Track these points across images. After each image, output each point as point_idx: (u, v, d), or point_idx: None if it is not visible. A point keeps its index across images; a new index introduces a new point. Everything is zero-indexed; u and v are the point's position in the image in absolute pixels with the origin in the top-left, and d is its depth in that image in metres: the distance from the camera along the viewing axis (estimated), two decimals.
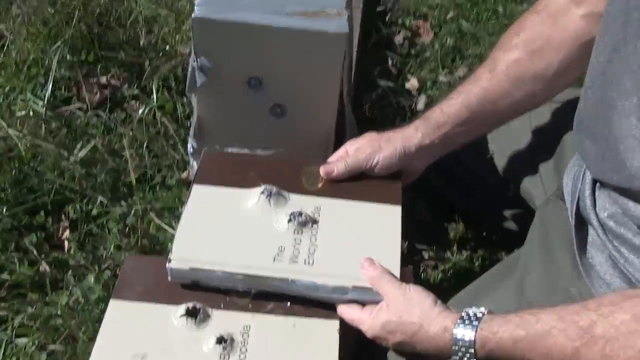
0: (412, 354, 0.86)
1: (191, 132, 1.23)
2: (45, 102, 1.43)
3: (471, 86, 1.00)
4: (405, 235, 0.95)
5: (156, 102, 1.44)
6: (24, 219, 1.26)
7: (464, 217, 1.28)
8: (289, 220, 0.93)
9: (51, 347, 1.09)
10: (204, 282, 0.89)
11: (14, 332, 1.11)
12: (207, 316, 0.87)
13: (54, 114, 1.44)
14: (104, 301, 1.12)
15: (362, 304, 0.88)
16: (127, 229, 1.25)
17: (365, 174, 1.00)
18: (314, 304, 0.89)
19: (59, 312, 1.12)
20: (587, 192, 0.87)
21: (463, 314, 0.81)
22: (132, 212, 1.26)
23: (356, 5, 1.58)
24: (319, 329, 0.88)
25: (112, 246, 1.23)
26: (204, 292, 0.89)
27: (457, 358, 0.79)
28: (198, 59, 1.00)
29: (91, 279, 1.16)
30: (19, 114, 1.44)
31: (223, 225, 0.93)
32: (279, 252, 0.91)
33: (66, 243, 1.26)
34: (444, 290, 0.91)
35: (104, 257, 1.23)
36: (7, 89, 1.52)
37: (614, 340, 0.69)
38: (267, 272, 0.88)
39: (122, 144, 1.37)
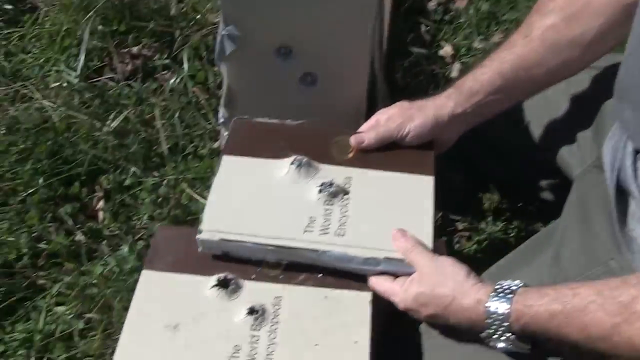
0: (444, 327, 0.85)
1: (221, 101, 1.22)
2: (78, 73, 1.43)
3: (505, 53, 0.97)
4: (439, 205, 0.93)
5: (187, 71, 1.43)
6: (60, 190, 1.27)
7: (499, 187, 1.25)
8: (320, 191, 0.92)
9: (88, 315, 1.10)
10: (235, 253, 0.89)
11: (52, 300, 1.12)
12: (238, 287, 0.87)
13: (87, 84, 1.44)
14: (137, 271, 1.12)
15: (394, 275, 0.87)
16: (160, 199, 1.25)
17: (396, 144, 0.98)
18: (345, 275, 0.89)
19: (94, 282, 1.13)
20: (628, 163, 0.85)
21: (497, 286, 0.79)
22: (165, 182, 1.26)
23: None
24: (351, 300, 0.88)
25: (145, 216, 1.24)
26: (235, 263, 0.89)
27: (491, 331, 0.78)
28: (226, 27, 0.99)
29: (125, 249, 1.17)
30: (52, 85, 1.44)
31: (253, 196, 0.93)
32: (310, 223, 0.90)
33: (100, 213, 1.27)
34: (478, 262, 0.89)
35: (137, 227, 1.24)
36: (41, 60, 1.53)
37: None
38: (297, 243, 0.87)
39: (154, 114, 1.36)
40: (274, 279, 0.89)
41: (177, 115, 1.38)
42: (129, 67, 1.47)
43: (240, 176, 0.95)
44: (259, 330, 0.84)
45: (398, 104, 1.00)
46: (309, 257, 0.88)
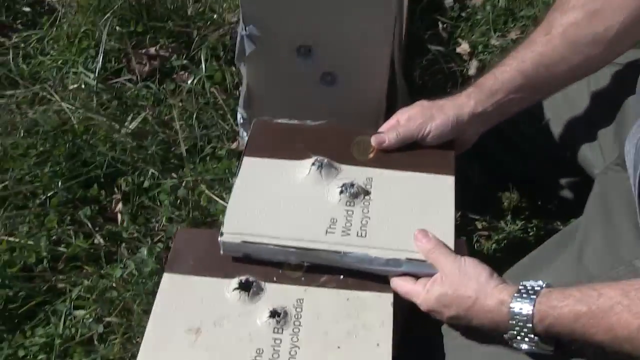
0: (466, 327, 0.85)
1: (240, 101, 1.22)
2: (97, 74, 1.43)
3: (526, 51, 0.96)
4: (458, 204, 0.93)
5: (205, 72, 1.43)
6: (79, 192, 1.28)
7: (518, 185, 1.24)
8: (341, 192, 0.92)
9: (107, 319, 1.10)
10: (256, 255, 0.89)
11: (72, 304, 1.13)
12: (260, 289, 0.87)
13: (105, 86, 1.45)
14: (157, 274, 1.13)
15: (416, 276, 0.87)
16: (179, 201, 1.25)
17: (417, 144, 0.98)
18: (366, 276, 0.88)
19: (113, 285, 1.13)
20: None
21: (520, 287, 0.79)
22: (183, 184, 1.26)
23: None
24: (373, 302, 0.87)
25: (164, 218, 1.24)
26: (256, 265, 0.89)
27: (515, 332, 0.78)
28: (246, 27, 0.98)
29: (144, 251, 1.17)
30: (71, 87, 1.45)
31: (274, 198, 0.92)
32: (331, 224, 0.89)
33: (119, 216, 1.27)
34: (498, 261, 0.88)
35: (156, 229, 1.24)
36: (59, 62, 1.53)
37: None
38: (319, 244, 0.87)
39: (172, 115, 1.36)
40: (296, 281, 0.89)
41: (195, 116, 1.37)
42: (147, 68, 1.47)
43: (261, 177, 0.95)
44: (282, 332, 0.83)
45: (418, 103, 0.99)
46: (331, 258, 0.87)
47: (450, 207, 0.92)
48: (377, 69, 1.03)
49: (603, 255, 0.86)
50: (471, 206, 1.23)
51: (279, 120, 1.02)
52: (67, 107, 1.37)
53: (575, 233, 0.93)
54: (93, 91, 1.43)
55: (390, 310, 0.87)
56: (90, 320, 1.11)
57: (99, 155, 1.31)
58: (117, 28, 1.52)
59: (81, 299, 1.14)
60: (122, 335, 1.08)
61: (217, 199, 1.23)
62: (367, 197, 0.93)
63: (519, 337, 0.78)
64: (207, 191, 1.23)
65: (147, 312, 1.09)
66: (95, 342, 1.09)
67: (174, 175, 1.29)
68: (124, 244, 1.22)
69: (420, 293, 0.84)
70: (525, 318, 0.76)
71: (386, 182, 0.95)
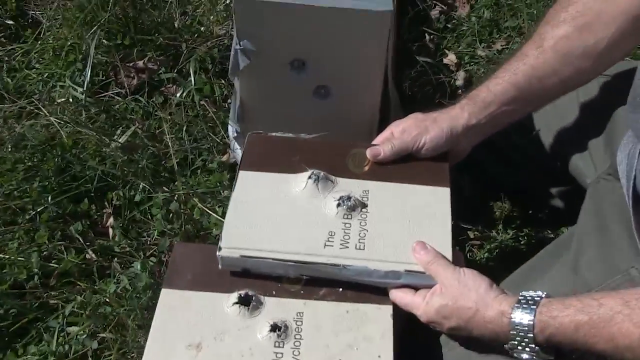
0: (465, 338, 0.85)
1: (231, 114, 1.22)
2: (85, 88, 1.43)
3: (518, 63, 0.97)
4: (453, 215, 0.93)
5: (194, 84, 1.42)
6: (69, 207, 1.27)
7: (510, 194, 1.25)
8: (338, 205, 0.92)
9: (101, 334, 1.09)
10: (255, 269, 0.89)
11: (64, 321, 1.11)
12: (259, 303, 0.87)
13: (93, 99, 1.44)
14: (151, 288, 1.13)
15: (415, 288, 0.87)
16: (171, 214, 1.24)
17: (411, 156, 0.98)
18: (365, 288, 0.89)
19: (107, 300, 1.12)
20: None
21: (520, 297, 0.79)
22: (175, 197, 1.26)
23: None
24: (372, 314, 0.88)
25: (156, 232, 1.24)
26: (255, 279, 0.89)
27: (515, 342, 0.79)
28: (240, 42, 0.99)
29: (137, 266, 1.16)
30: (58, 100, 1.44)
31: (272, 212, 0.92)
32: (330, 237, 0.90)
33: (110, 230, 1.26)
34: (490, 270, 0.89)
35: (148, 243, 1.23)
36: (45, 75, 1.52)
37: None
38: (319, 258, 0.87)
39: (162, 128, 1.36)
40: (295, 295, 0.89)
41: (184, 129, 1.37)
42: (135, 82, 1.46)
43: (258, 191, 0.95)
44: (283, 346, 0.83)
45: (412, 115, 1.00)
46: (330, 272, 0.87)
47: (447, 218, 0.93)
48: (370, 82, 1.03)
49: (599, 265, 0.87)
50: (463, 216, 1.24)
51: (274, 134, 1.02)
52: (56, 121, 1.36)
53: (570, 243, 0.94)
54: (81, 105, 1.42)
55: (390, 322, 0.87)
56: (84, 336, 1.10)
57: (89, 169, 1.30)
58: (104, 41, 1.51)
59: (74, 315, 1.13)
60: (117, 351, 1.07)
61: (210, 212, 1.23)
62: (364, 210, 0.93)
63: (519, 347, 0.79)
64: (199, 204, 1.23)
65: (141, 327, 1.09)
66: (90, 359, 1.08)
67: (165, 188, 1.28)
68: (116, 259, 1.21)
69: (420, 305, 0.85)
70: (526, 328, 0.77)
71: (382, 194, 0.95)
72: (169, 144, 1.32)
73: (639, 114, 0.87)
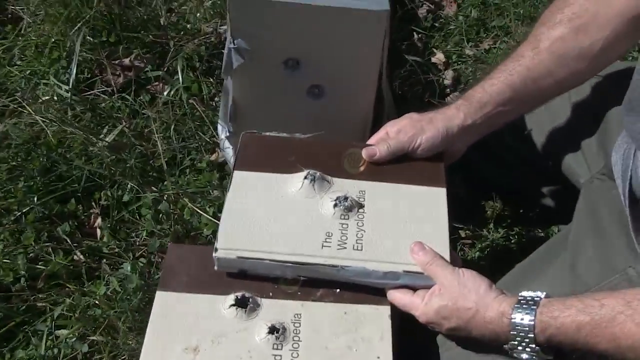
0: (464, 338, 0.85)
1: (221, 114, 1.21)
2: (70, 86, 1.40)
3: (513, 64, 0.98)
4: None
5: (182, 83, 1.41)
6: (55, 208, 1.24)
7: (501, 194, 1.26)
8: (335, 205, 0.91)
9: (92, 337, 1.07)
10: (252, 270, 0.88)
11: (53, 324, 1.09)
12: (256, 305, 0.86)
13: (79, 97, 1.41)
14: (141, 290, 1.11)
15: (413, 288, 0.87)
16: (160, 215, 1.23)
17: (406, 156, 0.98)
18: (363, 289, 0.88)
19: (97, 302, 1.10)
20: None
21: (520, 297, 0.80)
22: (165, 197, 1.24)
23: None
24: (370, 315, 0.87)
25: (145, 232, 1.22)
26: (251, 281, 0.88)
27: (515, 343, 0.79)
28: (235, 41, 0.97)
29: (127, 267, 1.14)
30: (42, 98, 1.41)
31: (268, 212, 0.91)
32: (327, 237, 0.89)
33: (98, 231, 1.24)
34: (482, 269, 0.89)
35: (137, 244, 1.22)
36: (28, 72, 1.49)
37: None
38: (316, 259, 0.87)
39: (150, 127, 1.34)
40: (292, 296, 0.88)
41: (172, 127, 1.35)
42: (121, 79, 1.44)
43: (253, 192, 0.94)
44: (281, 349, 0.83)
45: (407, 115, 1.00)
46: (328, 273, 0.87)
47: (444, 219, 0.93)
48: (365, 82, 1.03)
49: (596, 265, 0.87)
50: (454, 215, 1.23)
51: (268, 134, 1.01)
52: (40, 120, 1.34)
53: (565, 242, 0.94)
54: (67, 103, 1.39)
55: (388, 322, 0.87)
56: (74, 339, 1.08)
57: (75, 169, 1.28)
58: (89, 38, 1.48)
59: (63, 318, 1.11)
60: (108, 354, 1.05)
61: (200, 212, 1.21)
62: (361, 210, 0.93)
63: (519, 348, 0.79)
64: (190, 204, 1.21)
65: (132, 329, 1.07)
66: None
67: (154, 188, 1.26)
68: (104, 260, 1.19)
69: (419, 305, 0.84)
70: (526, 329, 0.77)
71: (379, 194, 0.95)
72: (158, 143, 1.30)
73: (634, 116, 0.87)
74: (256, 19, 0.95)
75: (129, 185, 1.27)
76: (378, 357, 0.83)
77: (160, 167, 1.30)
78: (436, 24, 1.66)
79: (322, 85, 1.03)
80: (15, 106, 1.40)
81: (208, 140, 1.35)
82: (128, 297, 1.11)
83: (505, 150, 1.17)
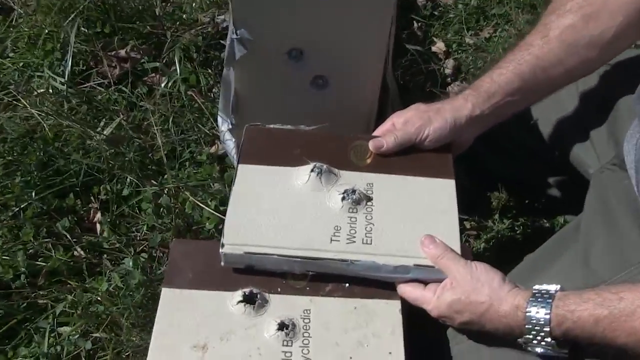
0: (476, 332, 0.84)
1: (221, 106, 1.19)
2: (66, 78, 1.37)
3: (522, 53, 0.96)
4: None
5: (179, 74, 1.38)
6: (54, 203, 1.22)
7: (505, 184, 1.24)
8: (343, 199, 0.90)
9: (95, 334, 1.06)
10: (260, 266, 0.86)
11: (55, 321, 1.07)
12: (265, 301, 0.85)
13: (75, 90, 1.38)
14: (143, 285, 1.09)
15: (423, 282, 0.86)
16: (161, 209, 1.21)
17: (414, 148, 0.97)
18: (372, 283, 0.87)
19: (99, 299, 1.09)
20: None
21: (534, 291, 0.78)
22: (165, 191, 1.22)
23: None
24: (381, 310, 0.86)
25: (146, 227, 1.20)
26: (259, 276, 0.86)
27: (530, 337, 0.78)
28: (237, 31, 0.95)
29: (129, 262, 1.13)
30: (38, 91, 1.38)
31: (274, 206, 0.90)
32: (335, 231, 0.88)
33: (98, 226, 1.22)
34: (488, 260, 0.88)
35: (138, 239, 1.20)
36: (21, 64, 1.46)
37: None
38: (325, 253, 0.85)
39: (148, 120, 1.32)
40: (301, 291, 0.87)
41: (171, 120, 1.33)
42: (117, 71, 1.41)
43: (259, 185, 0.92)
44: (291, 345, 0.81)
45: (414, 106, 0.98)
46: (337, 267, 0.85)
47: (454, 211, 0.91)
48: (370, 72, 1.01)
49: (609, 257, 0.86)
50: (459, 206, 1.23)
51: (272, 126, 0.99)
52: (36, 113, 1.31)
53: (576, 234, 0.93)
54: (62, 96, 1.36)
55: (399, 317, 0.86)
56: (77, 336, 1.06)
57: (73, 163, 1.26)
58: (84, 29, 1.45)
59: (65, 315, 1.09)
60: (112, 351, 1.04)
61: (202, 205, 1.19)
62: (369, 203, 0.91)
63: (534, 342, 0.78)
64: (191, 198, 1.19)
65: (135, 325, 1.06)
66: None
67: (154, 182, 1.24)
68: (105, 255, 1.17)
69: (431, 299, 0.83)
70: (542, 322, 0.76)
71: (387, 187, 0.93)
72: (156, 135, 1.28)
73: None
74: (259, 8, 0.93)
75: (128, 179, 1.25)
76: (390, 353, 0.82)
77: (160, 160, 1.28)
78: (435, 13, 1.64)
79: (327, 76, 1.01)
80: (9, 99, 1.37)
81: (207, 132, 1.33)
82: (130, 293, 1.09)
83: (510, 141, 1.15)
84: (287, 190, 0.92)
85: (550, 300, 0.76)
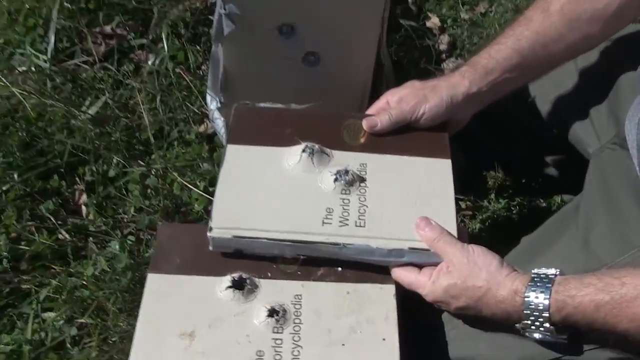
0: (472, 317, 0.81)
1: (210, 84, 1.15)
2: (49, 55, 1.33)
3: (522, 28, 0.93)
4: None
5: (167, 51, 1.34)
6: (37, 184, 1.18)
7: (501, 163, 1.22)
8: (335, 180, 0.87)
9: (80, 320, 1.03)
10: (249, 250, 0.83)
11: (39, 306, 1.04)
12: (254, 286, 0.82)
13: (58, 68, 1.34)
14: (131, 269, 1.06)
15: (418, 266, 0.83)
16: (148, 190, 1.17)
17: (409, 126, 0.93)
18: (365, 267, 0.84)
19: (84, 283, 1.06)
20: None
21: (533, 275, 0.76)
22: (152, 171, 1.18)
23: None
24: (374, 295, 0.84)
25: (133, 209, 1.17)
26: (248, 261, 0.83)
27: (529, 322, 0.75)
28: (226, 6, 0.91)
29: (116, 245, 1.10)
30: (19, 69, 1.34)
31: (264, 188, 0.87)
32: (327, 214, 0.85)
33: (84, 208, 1.19)
34: (483, 241, 0.85)
35: (125, 221, 1.16)
36: (1, 41, 1.41)
37: None
38: (317, 237, 0.82)
39: (135, 98, 1.28)
40: (292, 276, 0.84)
41: (158, 98, 1.29)
42: (103, 48, 1.37)
43: (248, 166, 0.89)
44: (282, 332, 0.79)
45: (408, 84, 0.95)
46: (329, 251, 0.83)
47: (450, 192, 0.88)
48: (364, 49, 0.98)
49: (610, 240, 0.84)
50: (455, 186, 1.20)
51: (262, 105, 0.95)
52: (18, 92, 1.27)
53: (576, 216, 0.90)
54: (45, 74, 1.32)
55: (393, 302, 0.83)
56: (62, 322, 1.03)
57: (57, 143, 1.22)
58: (67, 4, 1.40)
59: (49, 300, 1.06)
60: (98, 337, 1.01)
61: (190, 186, 1.16)
62: (362, 184, 0.88)
63: (532, 327, 0.76)
64: (179, 179, 1.16)
65: (122, 310, 1.03)
66: (68, 346, 1.02)
67: (141, 162, 1.21)
68: (91, 238, 1.14)
69: (426, 284, 0.81)
70: (541, 307, 0.74)
71: (381, 167, 0.90)
72: (143, 114, 1.24)
73: None
74: None
75: (114, 160, 1.21)
76: (384, 339, 0.80)
77: (147, 140, 1.24)
78: None
79: (319, 53, 0.97)
80: None
81: (196, 111, 1.30)
82: (117, 277, 1.06)
83: (507, 118, 1.12)
84: (278, 171, 0.89)
85: (549, 285, 0.74)
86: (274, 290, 0.82)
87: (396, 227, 0.84)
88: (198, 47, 1.38)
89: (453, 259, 0.80)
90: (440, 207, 0.86)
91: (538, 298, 0.74)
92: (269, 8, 0.92)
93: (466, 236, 0.85)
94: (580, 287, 0.72)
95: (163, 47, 1.35)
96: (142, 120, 1.25)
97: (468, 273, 0.78)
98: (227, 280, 0.81)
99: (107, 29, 1.39)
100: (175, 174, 1.17)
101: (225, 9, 0.91)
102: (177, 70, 1.33)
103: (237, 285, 0.81)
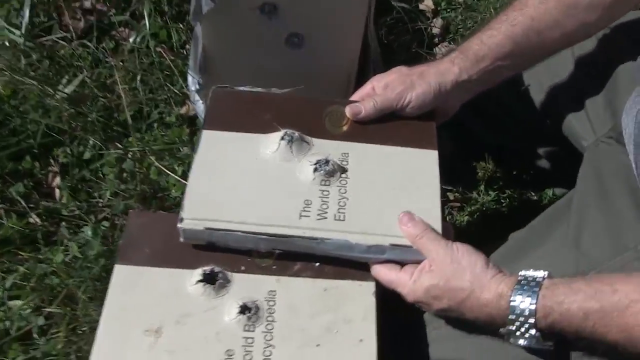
0: (455, 319, 0.78)
1: (191, 63, 1.11)
2: (24, 30, 1.27)
3: (516, 14, 0.88)
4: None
5: (149, 29, 1.29)
6: (8, 166, 1.14)
7: (492, 153, 1.18)
8: (315, 170, 0.83)
9: (48, 309, 0.99)
10: (222, 242, 0.79)
11: (5, 294, 1.01)
12: (226, 281, 0.78)
13: (34, 44, 1.29)
14: (103, 256, 1.03)
15: (400, 263, 0.79)
16: (125, 173, 1.13)
17: (394, 115, 0.89)
18: (344, 263, 0.80)
19: (54, 270, 1.02)
20: None
21: (520, 277, 0.72)
22: (129, 154, 1.14)
23: None
24: (353, 292, 0.80)
25: (108, 193, 1.13)
26: (221, 253, 0.79)
27: (513, 328, 0.71)
28: None
29: (88, 231, 1.06)
30: None
31: (240, 177, 0.83)
32: (305, 206, 0.81)
33: (57, 191, 1.14)
34: (471, 234, 0.82)
35: (99, 205, 1.12)
36: None
37: None
38: (293, 230, 0.78)
39: (114, 77, 1.23)
40: (266, 271, 0.80)
41: (139, 78, 1.24)
42: (82, 24, 1.32)
43: (224, 154, 0.85)
44: (253, 330, 0.75)
45: (395, 69, 0.90)
46: (306, 245, 0.79)
47: (436, 185, 0.84)
48: (350, 30, 0.93)
49: (604, 240, 0.80)
50: (443, 177, 1.16)
51: (241, 88, 0.91)
52: None
53: (567, 213, 0.86)
54: (20, 50, 1.27)
55: (372, 300, 0.79)
56: (28, 311, 1.00)
57: (31, 123, 1.17)
58: None
59: (16, 288, 1.02)
60: (66, 327, 0.97)
61: (168, 171, 1.12)
62: (343, 175, 0.84)
63: (517, 333, 0.72)
64: (156, 163, 1.11)
65: (93, 299, 0.99)
66: (35, 336, 0.99)
67: (118, 144, 1.16)
68: (63, 223, 1.10)
69: (407, 283, 0.77)
70: (527, 313, 0.70)
71: (364, 157, 0.86)
72: (122, 94, 1.20)
73: None
74: None
75: (90, 141, 1.16)
76: (361, 340, 0.76)
77: (125, 122, 1.19)
78: None
79: (302, 34, 0.93)
80: None
81: (177, 92, 1.25)
82: (89, 264, 1.02)
83: (499, 107, 1.08)
84: (255, 159, 0.85)
85: (536, 289, 0.70)
86: (247, 285, 0.79)
87: (377, 221, 0.80)
88: (182, 26, 1.32)
89: (436, 258, 0.76)
90: (424, 202, 0.82)
91: (524, 302, 0.70)
92: None
93: (452, 233, 0.81)
94: (569, 292, 0.68)
95: (145, 24, 1.30)
96: (121, 101, 1.20)
97: (451, 273, 0.74)
98: (198, 273, 0.78)
99: (87, 3, 1.34)
100: (153, 158, 1.13)
101: None
102: (159, 48, 1.28)
103: (208, 279, 0.77)
